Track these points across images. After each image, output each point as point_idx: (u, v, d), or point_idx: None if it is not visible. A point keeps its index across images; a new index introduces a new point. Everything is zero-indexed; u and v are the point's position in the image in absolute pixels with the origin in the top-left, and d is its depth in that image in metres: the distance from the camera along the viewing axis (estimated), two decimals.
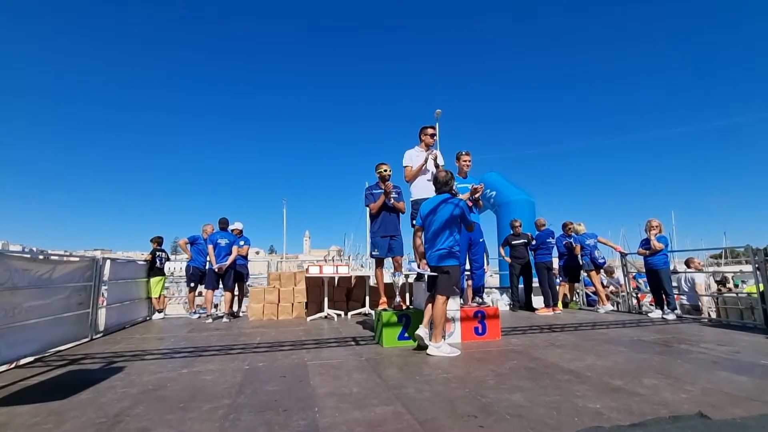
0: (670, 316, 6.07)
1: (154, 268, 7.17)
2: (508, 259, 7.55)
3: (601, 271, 7.80)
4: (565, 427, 2.00)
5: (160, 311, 7.28)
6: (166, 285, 7.86)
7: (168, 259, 7.62)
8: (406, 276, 5.88)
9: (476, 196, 4.95)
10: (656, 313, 6.33)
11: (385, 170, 5.28)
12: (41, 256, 4.30)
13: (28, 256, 4.09)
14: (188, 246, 7.45)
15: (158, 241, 7.47)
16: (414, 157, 4.93)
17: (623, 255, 7.52)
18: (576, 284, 8.11)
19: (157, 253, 7.30)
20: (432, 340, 3.71)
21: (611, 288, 9.23)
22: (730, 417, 2.10)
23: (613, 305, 7.47)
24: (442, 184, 3.95)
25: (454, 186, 4.06)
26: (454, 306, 4.38)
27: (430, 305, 3.80)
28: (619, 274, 8.68)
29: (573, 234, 7.68)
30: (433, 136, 4.96)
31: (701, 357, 3.52)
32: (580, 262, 7.55)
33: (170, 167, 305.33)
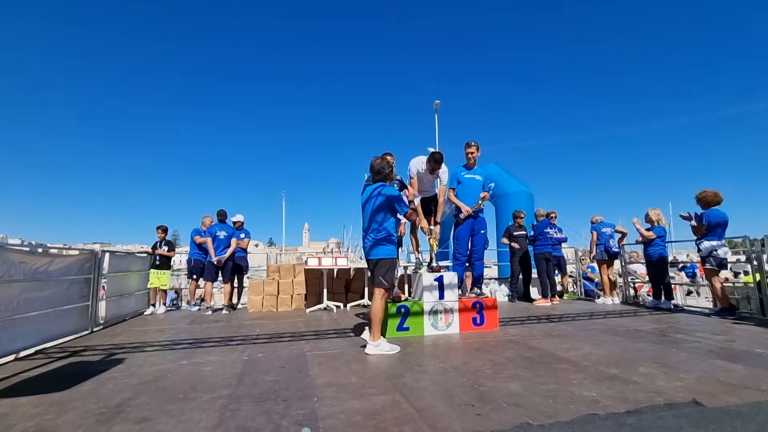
0: (667, 306, 6.12)
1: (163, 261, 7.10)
2: (515, 245, 7.44)
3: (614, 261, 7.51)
4: (562, 415, 2.02)
5: (153, 305, 6.92)
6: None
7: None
8: (405, 267, 5.91)
9: (481, 205, 5.14)
10: (653, 303, 6.38)
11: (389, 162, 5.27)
12: (40, 250, 4.30)
13: (27, 249, 4.09)
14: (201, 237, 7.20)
15: (165, 229, 7.37)
16: (420, 169, 4.96)
17: (620, 245, 7.55)
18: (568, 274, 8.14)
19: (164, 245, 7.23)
20: (370, 338, 3.52)
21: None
22: (724, 405, 2.12)
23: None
24: (375, 173, 3.77)
25: (393, 175, 3.92)
26: (452, 297, 4.41)
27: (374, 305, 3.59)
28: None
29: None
30: (436, 164, 4.85)
31: (697, 346, 3.55)
32: (593, 251, 7.36)
33: (169, 159, 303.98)
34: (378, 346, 3.44)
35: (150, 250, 7.20)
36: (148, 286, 7.05)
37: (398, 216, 3.72)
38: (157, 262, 7.08)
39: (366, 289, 6.81)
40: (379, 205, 3.59)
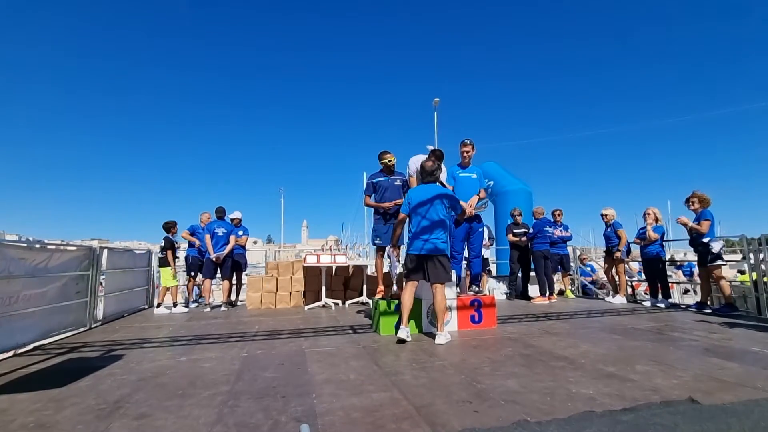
0: (664, 305, 6.14)
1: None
2: (522, 239, 7.34)
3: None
4: (558, 412, 2.03)
5: (159, 304, 6.64)
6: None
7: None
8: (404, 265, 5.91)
9: (485, 206, 5.14)
10: (650, 302, 6.40)
11: (389, 160, 5.28)
12: (38, 246, 4.29)
13: (25, 245, 4.08)
14: (191, 235, 7.15)
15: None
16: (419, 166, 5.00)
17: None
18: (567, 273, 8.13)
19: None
20: (439, 330, 3.78)
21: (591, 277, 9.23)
22: (719, 402, 2.14)
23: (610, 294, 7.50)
24: (428, 174, 4.02)
25: (441, 177, 4.14)
26: (451, 295, 4.41)
27: (408, 297, 3.86)
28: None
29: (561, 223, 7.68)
30: (437, 160, 4.92)
31: (693, 344, 3.57)
32: (620, 249, 6.91)
33: (167, 157, 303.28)
34: (445, 336, 3.77)
35: (171, 254, 6.60)
36: (169, 285, 6.59)
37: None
38: (177, 259, 6.92)
39: (365, 287, 6.81)
40: (447, 210, 3.98)
